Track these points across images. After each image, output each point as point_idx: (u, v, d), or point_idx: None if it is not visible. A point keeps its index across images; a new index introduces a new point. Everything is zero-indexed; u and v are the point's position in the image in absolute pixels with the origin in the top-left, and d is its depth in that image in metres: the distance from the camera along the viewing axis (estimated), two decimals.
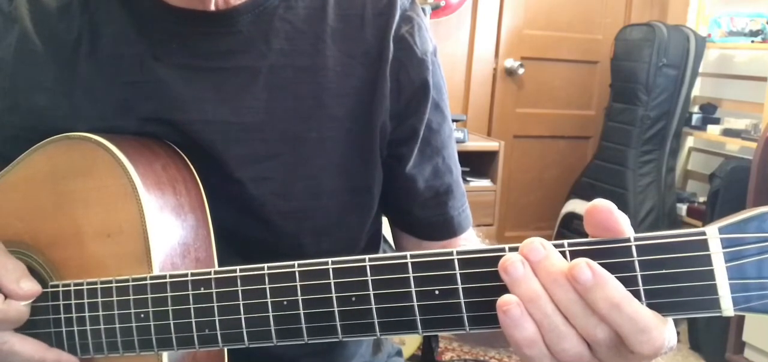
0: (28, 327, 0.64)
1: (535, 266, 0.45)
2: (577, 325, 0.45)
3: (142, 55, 0.70)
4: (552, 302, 0.45)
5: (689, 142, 3.16)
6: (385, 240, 0.88)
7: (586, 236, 0.47)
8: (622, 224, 0.45)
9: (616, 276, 0.44)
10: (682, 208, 2.94)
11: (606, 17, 3.25)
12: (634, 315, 0.43)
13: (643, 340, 0.44)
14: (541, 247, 0.45)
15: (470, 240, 0.80)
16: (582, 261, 0.44)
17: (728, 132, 2.81)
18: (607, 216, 0.45)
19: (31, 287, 0.62)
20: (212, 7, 0.69)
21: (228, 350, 0.65)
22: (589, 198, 0.47)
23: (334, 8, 0.73)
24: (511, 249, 0.47)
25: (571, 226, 2.99)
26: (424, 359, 2.23)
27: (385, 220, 0.83)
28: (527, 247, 0.46)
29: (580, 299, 0.44)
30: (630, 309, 0.43)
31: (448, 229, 0.78)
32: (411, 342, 2.23)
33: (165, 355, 0.60)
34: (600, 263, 0.44)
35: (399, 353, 0.96)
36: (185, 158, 0.69)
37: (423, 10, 1.01)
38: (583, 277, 0.43)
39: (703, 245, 0.43)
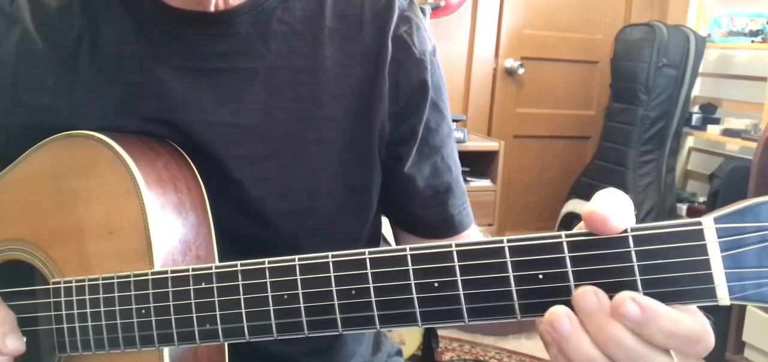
0: (30, 325, 0.64)
1: (586, 319, 0.44)
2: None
3: (141, 55, 0.70)
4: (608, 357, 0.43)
5: (689, 142, 3.17)
6: (385, 240, 0.89)
7: None
8: (619, 228, 0.44)
9: (613, 267, 0.44)
10: (682, 208, 2.95)
11: (606, 17, 3.26)
12: (688, 332, 0.43)
13: (699, 348, 0.43)
14: (594, 297, 0.44)
15: (472, 238, 0.80)
16: (626, 296, 0.43)
17: (728, 132, 2.81)
18: (602, 227, 0.44)
19: (15, 345, 0.62)
20: (212, 9, 0.69)
21: (229, 349, 0.65)
22: (589, 198, 0.47)
23: (331, 9, 0.74)
24: (509, 241, 0.47)
25: (571, 226, 2.93)
26: (424, 359, 2.22)
27: (385, 220, 0.83)
28: (582, 300, 0.44)
29: (635, 341, 0.43)
30: (684, 329, 0.43)
31: (448, 227, 0.78)
32: (411, 342, 2.23)
33: (166, 351, 0.60)
34: (597, 254, 0.45)
35: (399, 352, 0.96)
36: (186, 157, 0.70)
37: (423, 10, 1.01)
38: (631, 313, 0.42)
39: (699, 234, 0.43)
